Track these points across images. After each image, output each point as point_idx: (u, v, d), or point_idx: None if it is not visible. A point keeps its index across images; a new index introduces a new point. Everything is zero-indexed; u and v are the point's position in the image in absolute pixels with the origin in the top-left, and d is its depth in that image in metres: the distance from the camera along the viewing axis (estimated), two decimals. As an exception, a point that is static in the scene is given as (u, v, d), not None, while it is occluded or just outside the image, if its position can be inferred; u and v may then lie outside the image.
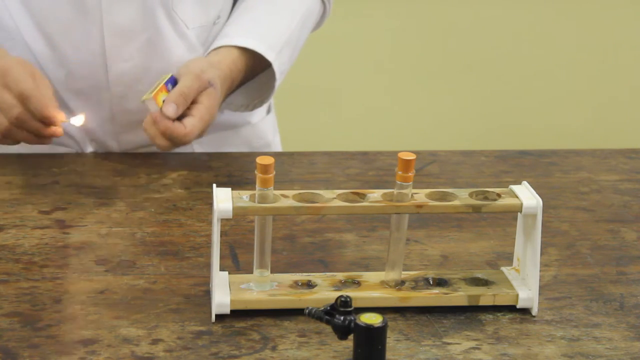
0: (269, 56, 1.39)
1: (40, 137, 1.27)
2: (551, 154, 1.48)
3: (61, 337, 0.97)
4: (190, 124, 1.28)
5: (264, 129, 1.58)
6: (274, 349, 0.96)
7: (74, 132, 1.45)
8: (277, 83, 1.43)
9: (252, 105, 1.48)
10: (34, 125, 1.25)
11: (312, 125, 2.82)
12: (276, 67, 1.40)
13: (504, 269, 1.09)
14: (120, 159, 1.41)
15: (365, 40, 2.78)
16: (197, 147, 1.51)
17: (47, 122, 1.25)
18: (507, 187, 1.05)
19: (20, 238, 1.16)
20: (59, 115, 1.25)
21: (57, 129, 1.26)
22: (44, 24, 1.37)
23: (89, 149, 1.46)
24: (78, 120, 1.30)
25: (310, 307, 0.93)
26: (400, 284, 1.05)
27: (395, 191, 1.01)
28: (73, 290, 1.05)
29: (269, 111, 1.61)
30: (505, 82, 2.86)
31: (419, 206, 1.01)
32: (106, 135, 1.45)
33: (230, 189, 1.02)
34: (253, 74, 1.44)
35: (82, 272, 1.09)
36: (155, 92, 1.27)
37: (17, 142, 1.29)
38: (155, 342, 0.96)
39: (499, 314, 1.03)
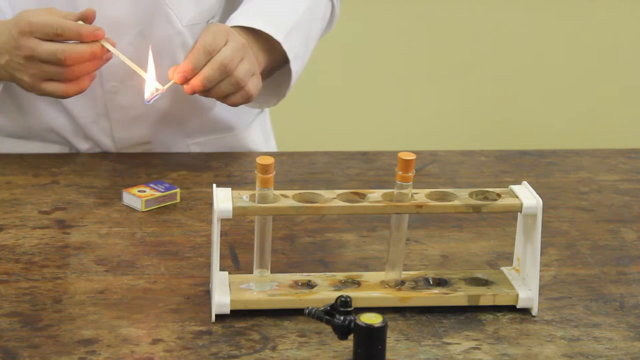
0: (278, 37, 1.33)
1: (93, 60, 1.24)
2: (551, 154, 1.48)
3: (61, 337, 0.97)
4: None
5: (249, 138, 1.56)
6: (274, 349, 0.96)
7: (66, 130, 1.44)
8: (293, 66, 1.36)
9: (276, 100, 1.43)
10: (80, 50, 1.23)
11: (312, 125, 2.82)
12: (287, 48, 1.34)
13: (504, 269, 1.09)
14: (120, 159, 1.41)
15: (365, 41, 2.78)
16: (196, 147, 1.50)
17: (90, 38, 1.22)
18: (507, 187, 1.05)
19: (20, 238, 1.16)
20: (98, 31, 1.23)
21: (98, 32, 1.23)
22: None
23: (83, 146, 1.46)
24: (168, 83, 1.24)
25: (310, 307, 0.93)
26: (400, 284, 1.04)
27: (395, 191, 1.01)
28: (73, 290, 1.05)
29: (250, 123, 1.57)
30: (505, 82, 2.85)
31: (419, 206, 1.01)
32: (100, 132, 1.44)
33: (230, 189, 1.02)
34: (271, 63, 1.37)
35: (82, 272, 1.09)
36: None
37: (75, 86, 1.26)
38: (155, 342, 0.96)
39: (499, 314, 1.03)
